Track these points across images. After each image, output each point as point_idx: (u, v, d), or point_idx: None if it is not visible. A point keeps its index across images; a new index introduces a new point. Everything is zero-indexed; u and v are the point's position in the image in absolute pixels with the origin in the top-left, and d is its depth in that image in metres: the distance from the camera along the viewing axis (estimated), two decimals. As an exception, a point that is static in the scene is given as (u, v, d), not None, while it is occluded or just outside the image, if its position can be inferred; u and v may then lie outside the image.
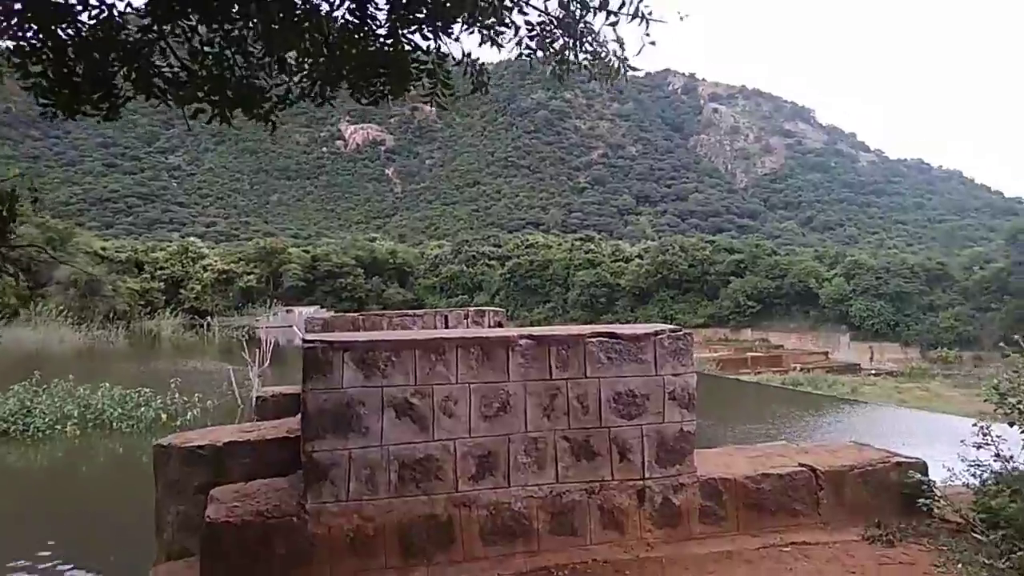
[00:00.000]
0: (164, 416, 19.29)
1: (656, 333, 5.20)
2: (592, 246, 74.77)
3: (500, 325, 8.43)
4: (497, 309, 9.42)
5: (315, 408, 4.57)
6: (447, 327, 8.67)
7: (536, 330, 5.21)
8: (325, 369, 4.60)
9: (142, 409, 19.05)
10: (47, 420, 17.58)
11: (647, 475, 5.13)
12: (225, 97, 3.65)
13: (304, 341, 4.67)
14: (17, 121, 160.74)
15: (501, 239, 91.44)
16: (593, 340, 5.09)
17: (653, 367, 5.17)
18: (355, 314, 9.70)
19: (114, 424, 18.45)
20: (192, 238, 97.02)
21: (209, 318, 72.97)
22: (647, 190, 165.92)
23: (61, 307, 60.92)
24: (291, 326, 55.88)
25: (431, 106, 4.15)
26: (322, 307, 68.83)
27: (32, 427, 17.33)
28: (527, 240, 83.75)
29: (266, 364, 26.59)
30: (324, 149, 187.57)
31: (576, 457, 5.01)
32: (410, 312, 9.27)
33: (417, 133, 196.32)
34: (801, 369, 38.87)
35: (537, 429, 4.95)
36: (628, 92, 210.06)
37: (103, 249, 78.38)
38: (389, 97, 4.02)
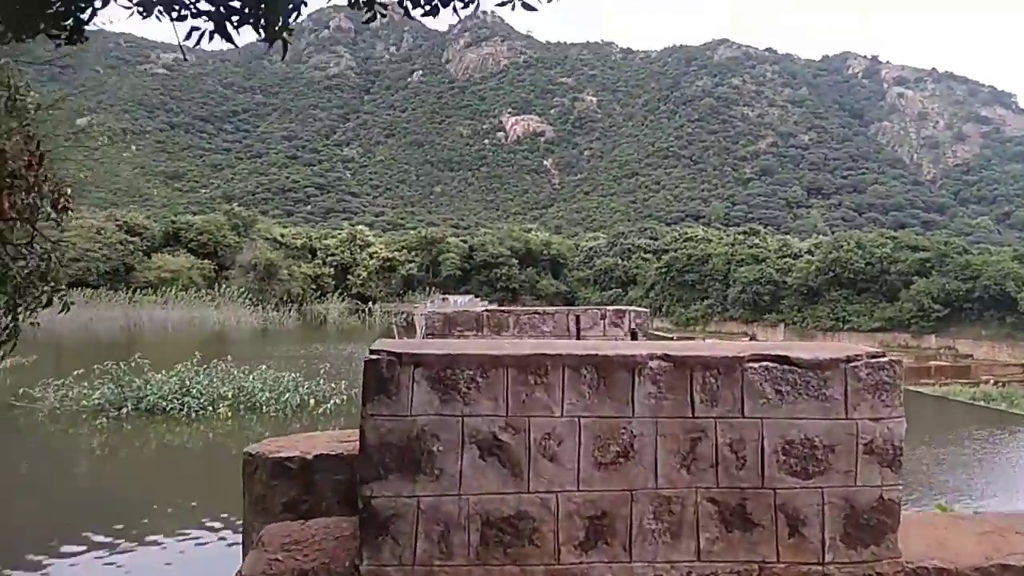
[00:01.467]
0: (312, 401, 19.52)
1: (848, 359, 3.69)
2: (757, 240, 70.30)
3: (635, 335, 7.01)
4: (640, 310, 8.07)
5: (376, 440, 3.51)
6: (579, 330, 7.45)
7: (674, 347, 3.86)
8: (390, 390, 3.53)
9: (288, 394, 19.38)
10: (202, 401, 18.24)
11: (828, 558, 3.65)
12: (227, 7, 2.66)
13: (370, 352, 3.64)
14: (213, 116, 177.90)
15: (658, 232, 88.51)
16: (755, 365, 3.67)
17: (843, 407, 3.67)
18: (480, 309, 8.74)
19: (263, 407, 18.89)
20: (361, 226, 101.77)
21: (372, 303, 76.37)
22: (820, 181, 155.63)
23: (242, 288, 66.00)
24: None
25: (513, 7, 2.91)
26: (476, 296, 69.81)
27: (188, 406, 18.04)
28: (685, 233, 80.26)
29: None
30: (486, 141, 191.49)
31: (726, 526, 3.63)
32: (539, 310, 8.16)
33: (577, 124, 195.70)
34: (995, 382, 34.00)
35: (672, 485, 3.62)
36: (801, 76, 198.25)
37: (281, 236, 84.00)
38: (457, 2, 2.85)
